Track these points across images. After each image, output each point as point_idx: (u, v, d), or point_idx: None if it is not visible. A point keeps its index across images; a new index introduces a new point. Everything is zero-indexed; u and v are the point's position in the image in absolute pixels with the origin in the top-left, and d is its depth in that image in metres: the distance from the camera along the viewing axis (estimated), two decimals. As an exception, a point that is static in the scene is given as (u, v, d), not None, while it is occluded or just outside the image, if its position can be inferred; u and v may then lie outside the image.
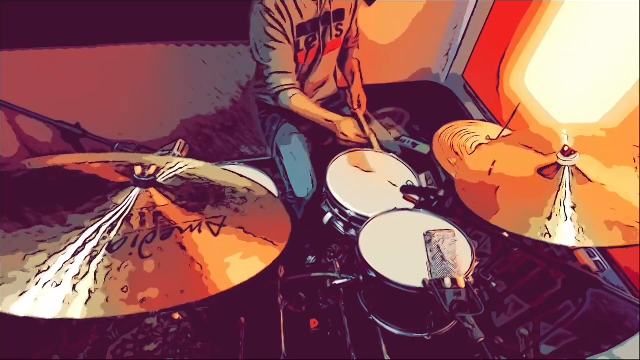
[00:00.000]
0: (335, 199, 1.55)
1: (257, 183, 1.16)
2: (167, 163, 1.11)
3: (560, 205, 1.12)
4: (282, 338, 1.35)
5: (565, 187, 1.16)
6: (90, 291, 0.73)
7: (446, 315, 1.10)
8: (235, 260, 0.88)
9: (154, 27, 2.13)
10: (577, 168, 1.18)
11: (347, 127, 1.65)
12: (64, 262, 0.76)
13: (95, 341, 1.78)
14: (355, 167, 1.71)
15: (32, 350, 1.73)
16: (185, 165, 1.12)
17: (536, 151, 1.31)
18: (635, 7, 1.66)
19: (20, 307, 0.69)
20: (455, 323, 1.28)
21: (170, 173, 1.07)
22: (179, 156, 1.41)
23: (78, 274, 0.75)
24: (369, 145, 1.78)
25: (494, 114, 2.56)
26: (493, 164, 1.32)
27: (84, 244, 0.80)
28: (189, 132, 2.56)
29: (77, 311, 0.70)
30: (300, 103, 1.74)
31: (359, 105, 1.97)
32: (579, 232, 1.05)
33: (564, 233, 1.06)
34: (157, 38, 2.17)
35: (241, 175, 1.17)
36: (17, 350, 1.70)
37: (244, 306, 1.49)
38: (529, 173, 1.25)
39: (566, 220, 1.08)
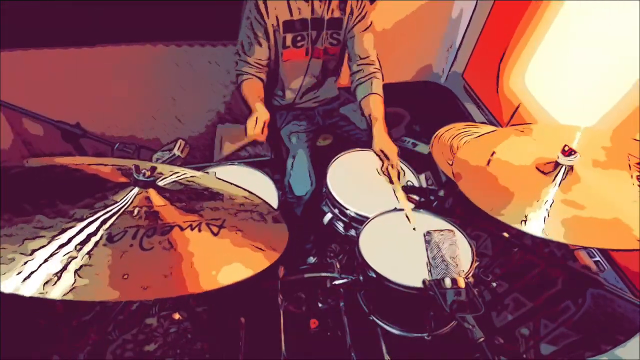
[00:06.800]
0: (335, 199, 1.55)
1: (255, 194, 1.18)
2: (169, 171, 1.12)
3: (546, 199, 1.14)
4: (282, 338, 1.35)
5: (557, 184, 1.17)
6: (89, 275, 0.75)
7: (446, 315, 1.10)
8: (232, 262, 0.90)
9: (154, 28, 2.13)
10: (572, 168, 1.19)
11: (249, 123, 1.65)
12: (61, 246, 0.78)
13: (95, 341, 1.78)
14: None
15: (32, 350, 1.73)
16: (184, 174, 1.13)
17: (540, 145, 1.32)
18: (635, 7, 1.66)
19: (10, 285, 0.70)
20: (455, 323, 1.28)
21: (170, 179, 1.08)
22: (179, 156, 1.41)
23: (77, 259, 0.77)
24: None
25: (494, 114, 2.56)
26: (492, 154, 1.32)
27: (81, 231, 0.82)
28: (189, 131, 2.56)
29: (69, 293, 0.72)
30: (246, 89, 1.81)
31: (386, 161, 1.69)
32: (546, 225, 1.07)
33: (535, 224, 1.08)
34: (157, 38, 2.18)
35: (238, 186, 1.19)
36: (17, 350, 1.70)
37: (244, 306, 1.49)
38: (527, 167, 1.25)
39: (544, 213, 1.10)
